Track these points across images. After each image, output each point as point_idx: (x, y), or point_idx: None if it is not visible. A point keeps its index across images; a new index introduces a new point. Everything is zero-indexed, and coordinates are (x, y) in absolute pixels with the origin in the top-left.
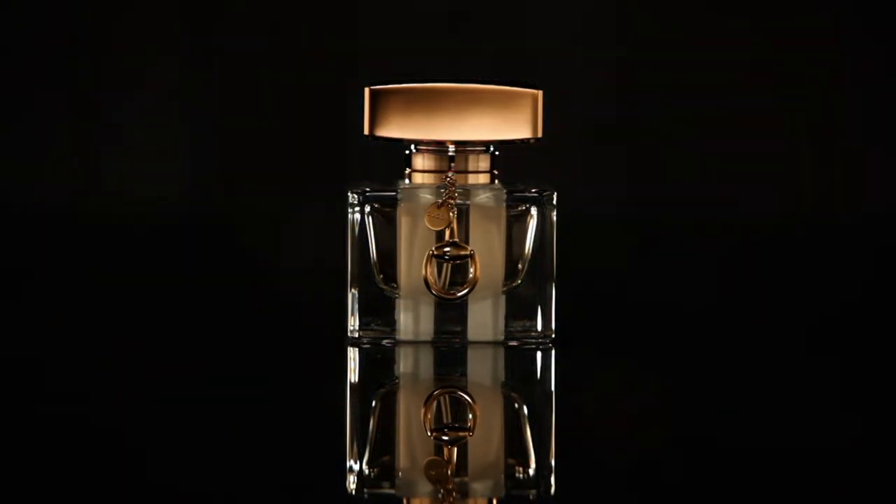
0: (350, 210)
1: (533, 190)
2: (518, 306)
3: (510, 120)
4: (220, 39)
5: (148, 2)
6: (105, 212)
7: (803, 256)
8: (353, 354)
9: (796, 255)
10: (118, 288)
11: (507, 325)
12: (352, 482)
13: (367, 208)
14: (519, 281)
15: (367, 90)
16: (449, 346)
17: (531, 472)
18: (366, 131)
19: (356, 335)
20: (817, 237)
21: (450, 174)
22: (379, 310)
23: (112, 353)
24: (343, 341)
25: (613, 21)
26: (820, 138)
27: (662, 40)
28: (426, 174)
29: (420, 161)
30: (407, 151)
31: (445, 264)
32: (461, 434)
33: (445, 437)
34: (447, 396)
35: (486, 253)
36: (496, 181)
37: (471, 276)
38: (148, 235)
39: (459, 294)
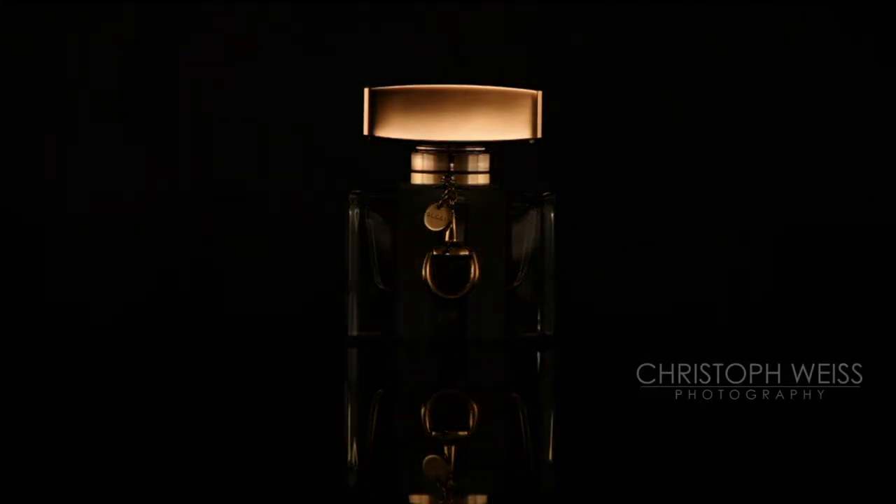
0: (350, 210)
1: (533, 190)
2: (518, 306)
3: (510, 121)
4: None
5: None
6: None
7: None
8: (353, 354)
9: (795, 258)
10: (117, 289)
11: (507, 325)
12: (352, 482)
13: (368, 208)
14: (519, 281)
15: (366, 90)
16: (449, 346)
17: (531, 471)
18: (365, 132)
19: (356, 335)
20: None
21: (450, 176)
22: (379, 310)
23: (111, 354)
24: (343, 341)
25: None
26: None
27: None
28: (426, 174)
29: (420, 161)
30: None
31: (447, 262)
32: (461, 434)
33: (445, 437)
34: (447, 396)
35: (486, 253)
36: (496, 181)
37: (471, 276)
38: (145, 234)
39: (459, 294)
